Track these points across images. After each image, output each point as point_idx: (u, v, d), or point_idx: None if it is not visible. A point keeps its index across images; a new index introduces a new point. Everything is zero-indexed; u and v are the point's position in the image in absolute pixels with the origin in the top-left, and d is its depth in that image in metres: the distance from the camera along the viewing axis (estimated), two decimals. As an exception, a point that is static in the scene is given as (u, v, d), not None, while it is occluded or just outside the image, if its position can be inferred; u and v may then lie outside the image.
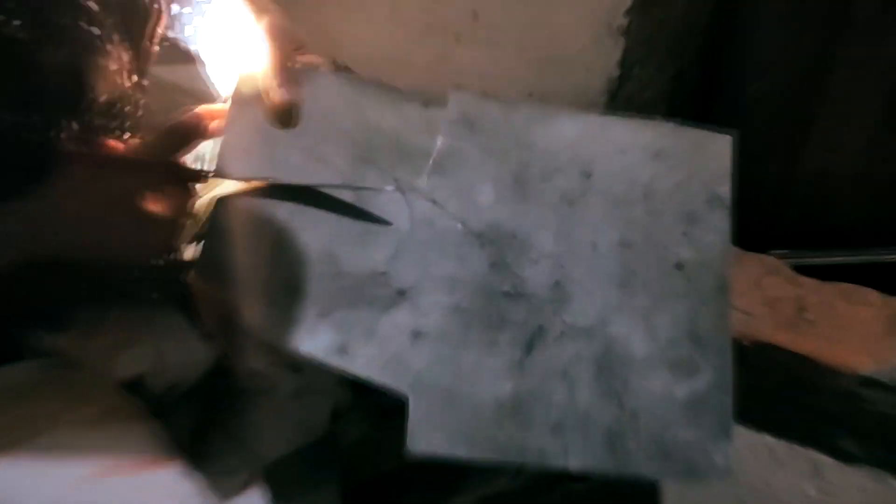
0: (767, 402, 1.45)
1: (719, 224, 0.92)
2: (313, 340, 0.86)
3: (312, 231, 0.89)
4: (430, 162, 0.91)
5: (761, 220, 1.75)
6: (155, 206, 0.81)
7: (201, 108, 0.88)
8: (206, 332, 0.97)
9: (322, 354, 0.86)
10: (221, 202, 0.88)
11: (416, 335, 0.87)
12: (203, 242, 0.89)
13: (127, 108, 0.88)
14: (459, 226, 0.90)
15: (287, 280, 0.88)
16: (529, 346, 0.88)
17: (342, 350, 0.86)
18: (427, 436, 0.84)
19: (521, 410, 0.86)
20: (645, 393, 0.87)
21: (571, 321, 0.89)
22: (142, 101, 0.93)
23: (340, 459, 1.12)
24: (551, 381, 0.87)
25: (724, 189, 0.93)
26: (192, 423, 1.00)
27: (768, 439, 1.48)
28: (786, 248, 1.80)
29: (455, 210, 0.90)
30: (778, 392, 1.44)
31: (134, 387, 0.95)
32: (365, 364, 0.86)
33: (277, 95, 0.82)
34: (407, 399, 0.85)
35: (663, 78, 1.83)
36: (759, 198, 1.83)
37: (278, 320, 0.86)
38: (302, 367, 1.04)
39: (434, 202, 0.89)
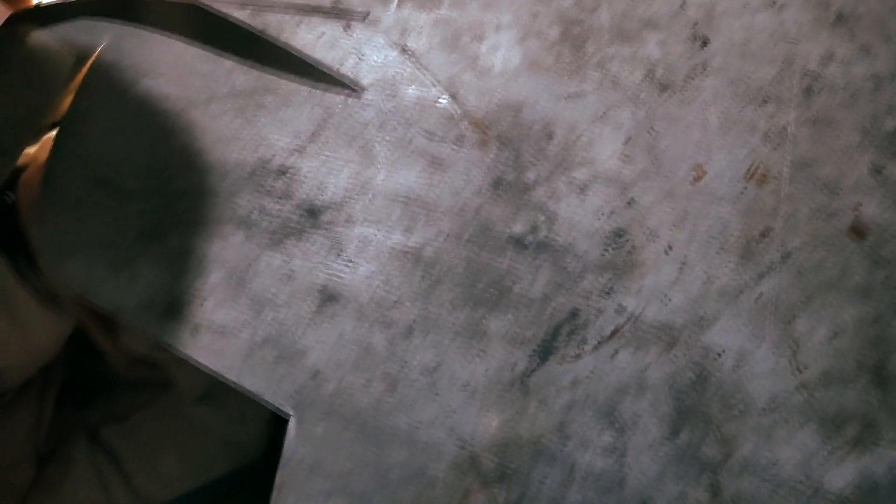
0: None
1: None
2: (124, 285, 0.43)
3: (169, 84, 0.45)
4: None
5: None
6: None
7: None
8: (52, 293, 0.57)
9: (132, 313, 0.43)
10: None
11: (326, 300, 0.44)
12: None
13: None
14: (444, 99, 0.46)
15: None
16: (545, 349, 0.44)
17: (171, 312, 0.43)
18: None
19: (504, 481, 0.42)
20: (760, 474, 0.44)
21: (636, 311, 0.45)
22: None
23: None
24: (585, 424, 0.43)
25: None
26: (29, 437, 0.61)
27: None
28: None
29: (438, 69, 0.46)
30: None
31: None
32: (200, 351, 0.42)
33: None
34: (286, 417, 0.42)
35: None
36: None
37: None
38: None
39: (404, 50, 0.46)
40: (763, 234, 0.48)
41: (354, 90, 0.48)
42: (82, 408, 0.65)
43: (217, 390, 0.62)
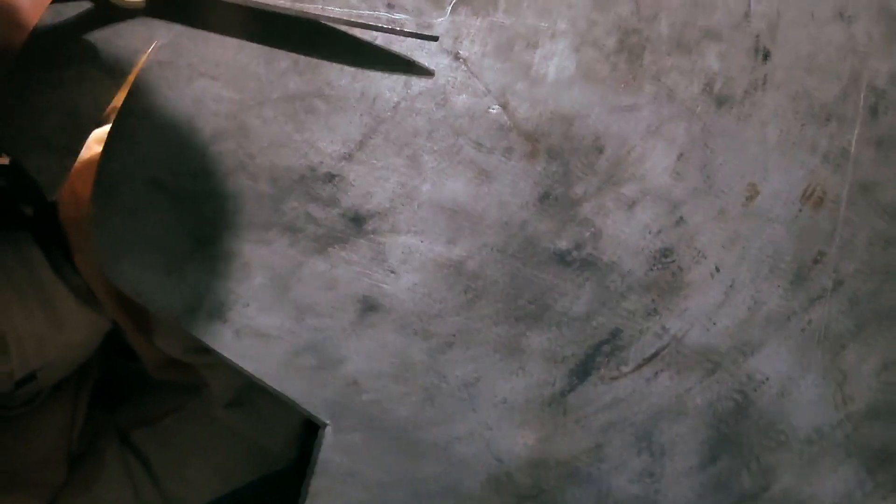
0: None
1: None
2: (174, 288, 0.44)
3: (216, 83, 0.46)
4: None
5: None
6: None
7: None
8: (89, 291, 0.58)
9: (179, 316, 0.43)
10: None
11: (367, 309, 0.44)
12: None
13: None
14: (495, 108, 0.46)
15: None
16: (585, 368, 0.44)
17: (217, 314, 0.43)
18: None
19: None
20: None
21: (680, 332, 0.45)
22: None
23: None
24: (621, 446, 0.43)
25: None
26: (62, 437, 0.62)
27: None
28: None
29: (490, 77, 0.45)
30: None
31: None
32: (242, 356, 0.43)
33: None
34: (322, 427, 0.42)
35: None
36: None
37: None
38: None
39: (457, 57, 0.46)
40: (816, 259, 0.46)
41: (430, 74, 0.47)
42: (114, 409, 0.66)
43: (247, 396, 0.63)
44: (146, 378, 0.65)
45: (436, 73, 0.47)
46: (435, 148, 0.46)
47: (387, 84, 0.47)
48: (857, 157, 0.47)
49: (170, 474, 0.63)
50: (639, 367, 0.44)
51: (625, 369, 0.44)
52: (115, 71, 0.47)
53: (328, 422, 0.43)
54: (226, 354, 0.43)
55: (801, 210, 0.47)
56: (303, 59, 0.46)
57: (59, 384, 0.62)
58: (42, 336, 0.55)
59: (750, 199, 0.47)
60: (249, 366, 0.43)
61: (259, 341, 0.44)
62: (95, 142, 0.47)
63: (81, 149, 0.46)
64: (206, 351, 0.54)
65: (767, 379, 0.44)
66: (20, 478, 0.60)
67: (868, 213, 0.47)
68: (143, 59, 0.46)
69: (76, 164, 0.49)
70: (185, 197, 0.44)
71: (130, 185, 0.44)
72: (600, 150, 0.47)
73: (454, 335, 0.44)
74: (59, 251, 0.56)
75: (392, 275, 0.45)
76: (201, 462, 0.64)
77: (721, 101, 0.48)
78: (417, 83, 0.47)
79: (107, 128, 0.46)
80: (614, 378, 0.44)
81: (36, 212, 0.57)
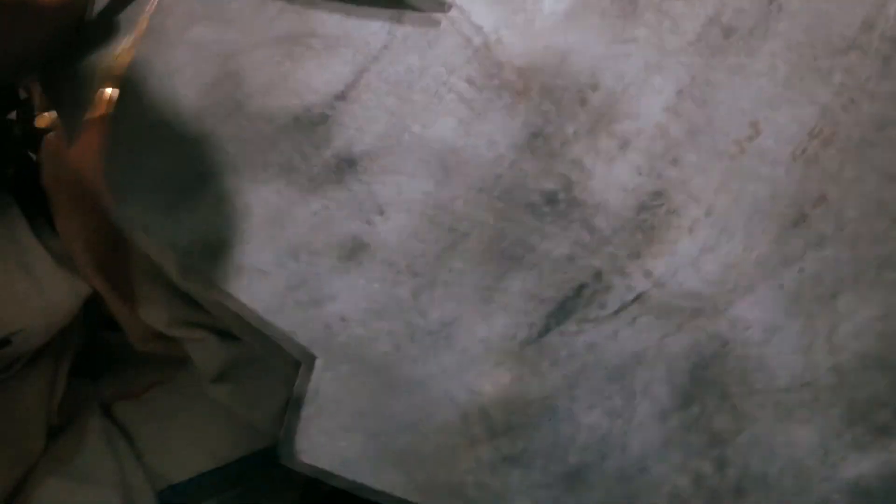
0: None
1: None
2: (176, 226, 0.47)
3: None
4: None
5: None
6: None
7: None
8: (69, 256, 0.60)
9: (183, 253, 0.47)
10: None
11: (356, 248, 0.46)
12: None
13: None
14: (487, 45, 0.46)
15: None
16: (564, 310, 0.45)
17: (219, 251, 0.46)
18: (328, 438, 0.45)
19: (510, 439, 0.44)
20: (772, 452, 0.43)
21: (663, 276, 0.44)
22: None
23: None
24: (594, 388, 0.44)
25: None
26: (41, 406, 0.64)
27: None
28: None
29: (483, 12, 0.46)
30: None
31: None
32: (240, 290, 0.46)
33: None
34: (307, 370, 0.45)
35: None
36: None
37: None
38: (232, 332, 0.63)
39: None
40: (818, 202, 0.44)
41: (420, 10, 0.47)
42: (96, 380, 0.68)
43: (233, 372, 0.63)
44: (131, 350, 0.65)
45: (426, 10, 0.46)
46: (425, 87, 0.46)
47: (378, 22, 0.47)
48: (873, 92, 0.44)
49: (153, 449, 0.63)
50: (618, 310, 0.45)
51: (604, 313, 0.45)
52: (125, 22, 0.49)
53: (318, 354, 0.46)
54: (225, 289, 0.47)
55: (805, 149, 0.44)
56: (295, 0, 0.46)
57: (38, 352, 0.63)
58: (19, 298, 0.57)
59: (750, 138, 0.45)
60: (248, 301, 0.46)
61: (256, 277, 0.46)
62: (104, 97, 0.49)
63: (92, 102, 0.49)
64: (191, 324, 0.57)
65: (751, 326, 0.44)
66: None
67: (880, 153, 0.44)
68: (151, 7, 0.48)
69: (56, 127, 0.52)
70: (185, 139, 0.47)
71: (133, 128, 0.47)
72: (595, 87, 0.46)
73: (437, 275, 0.46)
74: (40, 214, 0.59)
75: (380, 215, 0.46)
76: (186, 437, 0.64)
77: (728, 33, 0.45)
78: (409, 20, 0.47)
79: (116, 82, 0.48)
80: (593, 321, 0.45)
81: (17, 173, 0.60)
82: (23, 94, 0.67)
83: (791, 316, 0.44)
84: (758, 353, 0.44)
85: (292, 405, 0.44)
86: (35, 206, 0.60)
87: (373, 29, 0.46)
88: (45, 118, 0.67)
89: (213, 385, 0.63)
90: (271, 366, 0.66)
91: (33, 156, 0.64)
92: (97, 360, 0.70)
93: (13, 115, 0.66)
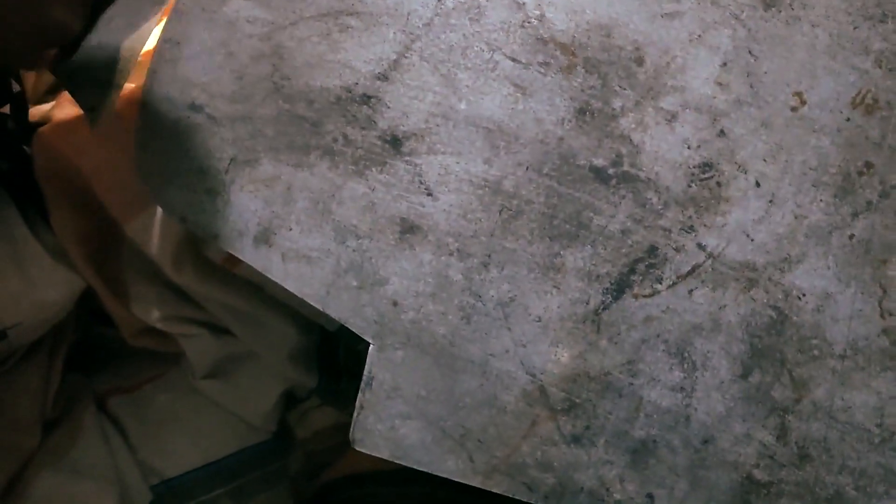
0: None
1: None
2: (219, 212, 0.45)
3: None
4: None
5: None
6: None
7: None
8: (64, 250, 0.59)
9: (226, 240, 0.45)
10: None
11: (405, 231, 0.45)
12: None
13: None
14: (531, 21, 0.45)
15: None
16: (620, 285, 0.45)
17: (263, 238, 0.45)
18: (387, 426, 0.44)
19: (574, 413, 0.44)
20: (831, 418, 0.44)
21: (717, 248, 0.45)
22: None
23: (295, 464, 0.73)
24: (654, 362, 0.44)
25: None
26: (35, 400, 0.62)
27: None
28: None
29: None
30: None
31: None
32: (288, 277, 0.45)
33: None
34: (369, 354, 0.44)
35: None
36: None
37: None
38: (225, 328, 0.63)
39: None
40: (864, 170, 0.45)
41: None
42: (90, 375, 0.66)
43: (226, 368, 0.63)
44: (125, 345, 0.65)
45: (468, -13, 0.45)
46: (470, 65, 0.46)
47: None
48: (914, 60, 0.45)
49: (147, 443, 0.64)
50: (674, 284, 0.45)
51: (659, 287, 0.45)
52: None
53: (371, 340, 0.45)
54: (273, 277, 0.45)
55: (848, 119, 0.45)
56: (333, -24, 0.45)
57: (33, 346, 0.62)
58: (14, 293, 0.56)
59: (795, 108, 0.45)
60: (296, 288, 0.45)
61: (303, 263, 0.45)
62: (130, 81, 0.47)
63: (116, 84, 0.47)
64: (184, 320, 0.55)
65: (804, 294, 0.44)
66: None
67: (922, 120, 0.45)
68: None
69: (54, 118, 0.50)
70: (224, 121, 0.45)
71: (171, 110, 0.45)
72: (640, 61, 0.46)
73: (489, 255, 0.45)
74: (34, 208, 0.57)
75: (429, 196, 0.45)
76: (179, 432, 0.64)
77: (769, 4, 0.45)
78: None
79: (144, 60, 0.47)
80: (649, 295, 0.45)
81: (11, 167, 0.58)
82: (16, 88, 0.64)
83: (843, 283, 0.44)
84: (812, 320, 0.44)
85: (359, 391, 0.43)
86: (30, 201, 0.58)
87: (414, 6, 0.45)
88: (39, 111, 0.64)
89: (204, 381, 0.64)
90: (264, 361, 0.65)
91: (27, 150, 0.61)
92: (92, 354, 0.70)
93: (6, 108, 0.63)
